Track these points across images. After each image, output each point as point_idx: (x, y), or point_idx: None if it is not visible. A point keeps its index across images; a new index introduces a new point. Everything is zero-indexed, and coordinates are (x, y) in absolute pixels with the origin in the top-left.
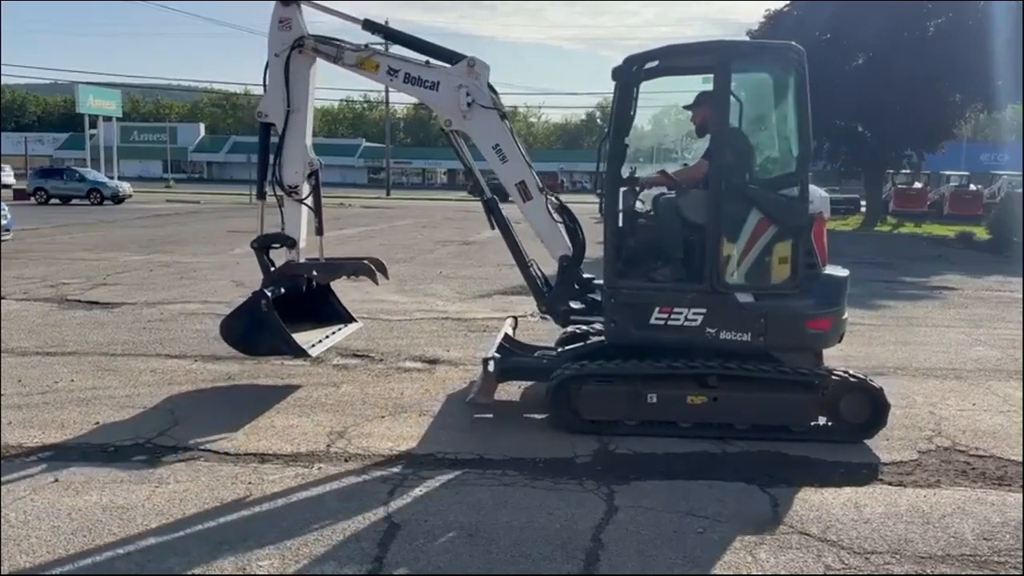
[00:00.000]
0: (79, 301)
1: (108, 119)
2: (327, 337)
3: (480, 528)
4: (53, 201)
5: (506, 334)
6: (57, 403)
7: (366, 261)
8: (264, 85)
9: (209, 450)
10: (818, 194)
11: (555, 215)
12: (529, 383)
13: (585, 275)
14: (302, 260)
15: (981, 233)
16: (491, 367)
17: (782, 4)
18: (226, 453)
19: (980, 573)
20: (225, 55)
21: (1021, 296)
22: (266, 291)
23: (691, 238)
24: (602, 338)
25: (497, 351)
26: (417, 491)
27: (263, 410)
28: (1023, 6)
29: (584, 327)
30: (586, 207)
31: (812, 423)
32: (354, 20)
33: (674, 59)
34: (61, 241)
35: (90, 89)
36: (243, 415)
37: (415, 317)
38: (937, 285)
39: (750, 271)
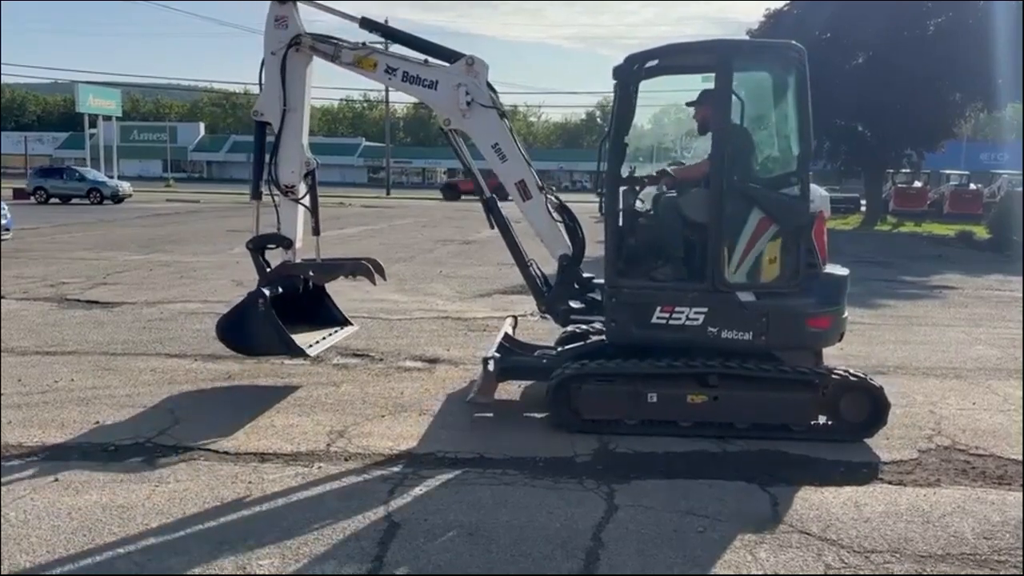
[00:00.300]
0: (79, 300)
1: (108, 118)
2: (323, 339)
3: (480, 527)
4: (53, 200)
5: (506, 333)
6: (57, 402)
7: (364, 261)
8: (260, 84)
9: (209, 449)
10: (818, 193)
11: (555, 214)
12: (529, 382)
13: (585, 274)
14: (298, 260)
15: (981, 232)
16: (491, 366)
17: (782, 3)
18: (226, 452)
19: (980, 572)
20: (225, 55)
21: (1021, 295)
22: (264, 290)
23: (692, 237)
24: (602, 337)
25: (497, 350)
26: (417, 490)
27: (263, 409)
28: (1023, 6)
29: (584, 326)
30: (586, 206)
31: (812, 422)
32: (352, 18)
33: (675, 58)
34: (61, 240)
35: (90, 88)
36: (243, 414)
37: (415, 316)
38: (937, 284)
39: (751, 270)
